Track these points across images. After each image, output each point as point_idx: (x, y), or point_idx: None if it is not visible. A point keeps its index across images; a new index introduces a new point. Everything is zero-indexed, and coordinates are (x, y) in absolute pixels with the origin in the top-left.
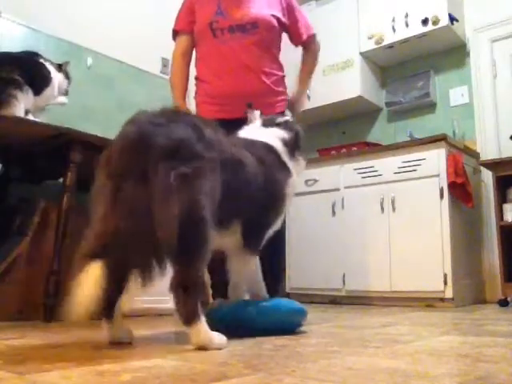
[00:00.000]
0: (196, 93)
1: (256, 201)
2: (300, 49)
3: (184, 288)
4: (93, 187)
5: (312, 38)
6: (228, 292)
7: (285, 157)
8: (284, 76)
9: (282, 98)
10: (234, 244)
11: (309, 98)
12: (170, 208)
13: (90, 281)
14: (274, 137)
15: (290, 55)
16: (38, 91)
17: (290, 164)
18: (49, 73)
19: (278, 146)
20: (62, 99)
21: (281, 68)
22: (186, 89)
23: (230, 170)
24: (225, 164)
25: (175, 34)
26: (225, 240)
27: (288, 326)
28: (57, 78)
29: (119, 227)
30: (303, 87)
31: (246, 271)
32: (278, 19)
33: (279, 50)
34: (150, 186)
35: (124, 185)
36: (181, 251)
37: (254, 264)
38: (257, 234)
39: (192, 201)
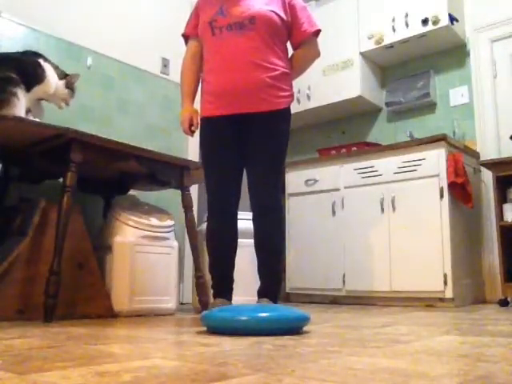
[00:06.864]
0: (201, 93)
1: None
2: None
3: None
4: None
5: (313, 35)
6: None
7: None
8: (288, 73)
9: (284, 94)
10: None
11: (309, 97)
12: None
13: None
14: None
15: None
16: (28, 88)
17: None
18: (42, 71)
19: None
20: (60, 104)
21: (285, 64)
22: (194, 89)
23: None
24: None
25: (186, 39)
26: None
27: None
28: (54, 80)
29: None
30: None
31: None
32: (277, 15)
33: (284, 48)
34: None
35: None
36: None
37: None
38: None
39: None
